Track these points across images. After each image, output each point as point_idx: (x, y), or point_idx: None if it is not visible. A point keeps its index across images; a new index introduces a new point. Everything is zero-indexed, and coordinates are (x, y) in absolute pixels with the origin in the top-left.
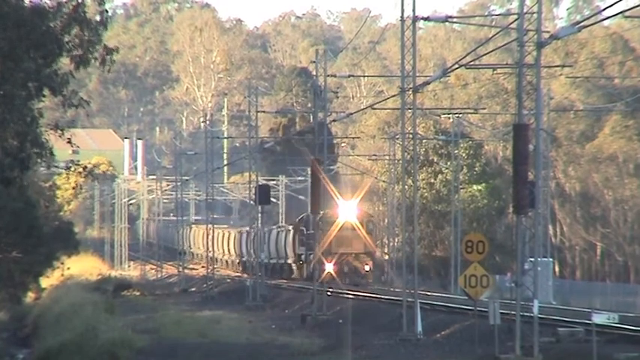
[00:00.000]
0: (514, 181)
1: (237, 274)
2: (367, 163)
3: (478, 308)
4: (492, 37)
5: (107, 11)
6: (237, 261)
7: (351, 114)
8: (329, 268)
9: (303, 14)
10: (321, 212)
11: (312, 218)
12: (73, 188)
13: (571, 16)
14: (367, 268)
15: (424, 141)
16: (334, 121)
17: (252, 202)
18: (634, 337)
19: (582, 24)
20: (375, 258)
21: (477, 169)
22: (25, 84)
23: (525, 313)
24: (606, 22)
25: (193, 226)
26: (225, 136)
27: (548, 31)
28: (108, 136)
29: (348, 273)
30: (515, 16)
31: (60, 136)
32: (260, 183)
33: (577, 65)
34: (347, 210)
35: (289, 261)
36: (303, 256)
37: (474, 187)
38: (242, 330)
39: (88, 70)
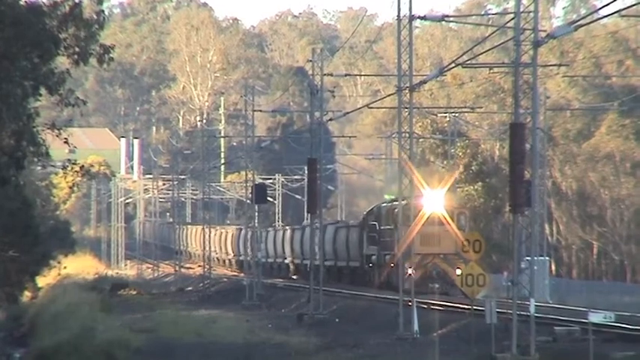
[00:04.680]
0: (511, 180)
1: (234, 273)
2: (364, 162)
3: (475, 307)
4: (489, 36)
5: (104, 11)
6: (234, 260)
7: (348, 113)
8: (411, 272)
9: (300, 13)
10: (401, 203)
11: (386, 210)
12: (70, 187)
13: (567, 15)
14: (459, 272)
15: (421, 140)
16: (331, 120)
17: (248, 201)
18: (630, 336)
19: (579, 23)
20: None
21: (473, 168)
22: (21, 83)
23: (522, 312)
24: (602, 21)
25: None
26: (222, 135)
27: (544, 30)
28: (104, 135)
29: (435, 279)
30: (512, 15)
31: (57, 136)
32: (257, 182)
33: (573, 64)
34: (433, 200)
35: (286, 260)
36: (374, 258)
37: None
38: (239, 329)
39: (85, 69)
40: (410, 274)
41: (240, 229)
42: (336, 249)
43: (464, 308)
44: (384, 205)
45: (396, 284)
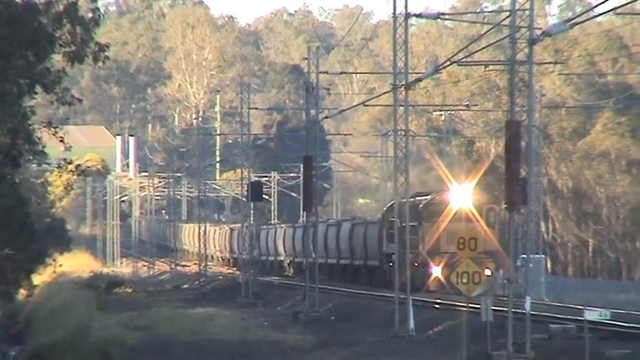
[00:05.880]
0: (506, 178)
1: (230, 270)
2: (359, 160)
3: (470, 305)
4: (484, 33)
5: (99, 9)
6: (230, 257)
7: (343, 111)
8: (437, 272)
9: (295, 11)
10: (425, 198)
11: (409, 206)
12: (65, 188)
13: (563, 13)
14: (488, 272)
15: (416, 138)
16: (326, 117)
17: (244, 198)
18: (626, 334)
19: (574, 21)
20: (498, 259)
21: (468, 165)
22: (17, 81)
23: (518, 310)
24: (598, 19)
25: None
26: (218, 132)
27: (540, 28)
28: (100, 133)
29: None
30: (508, 13)
31: (53, 134)
32: (252, 180)
33: (569, 62)
34: (461, 195)
35: (281, 258)
36: (394, 257)
37: None
38: (234, 327)
39: (81, 67)
40: (435, 277)
41: (237, 227)
42: (353, 247)
43: (460, 306)
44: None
45: (419, 285)
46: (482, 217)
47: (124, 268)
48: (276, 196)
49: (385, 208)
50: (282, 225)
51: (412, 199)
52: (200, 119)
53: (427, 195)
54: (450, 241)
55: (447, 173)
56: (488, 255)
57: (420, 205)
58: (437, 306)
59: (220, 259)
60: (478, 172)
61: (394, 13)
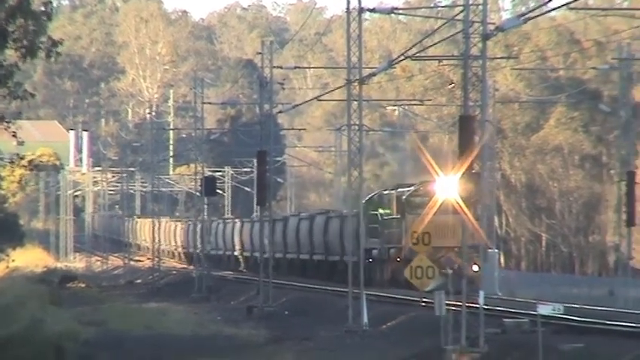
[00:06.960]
0: (460, 173)
1: (183, 265)
2: (313, 155)
3: (424, 299)
4: (438, 28)
5: (52, 2)
6: (184, 252)
7: (297, 105)
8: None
9: (249, 6)
10: (409, 189)
11: (390, 198)
12: (19, 182)
13: (516, 8)
14: (476, 268)
15: (370, 133)
16: (280, 112)
17: (198, 193)
18: (579, 328)
19: (527, 15)
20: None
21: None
22: None
23: (471, 304)
24: (551, 14)
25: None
26: (171, 127)
27: (493, 23)
28: (53, 127)
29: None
30: (461, 8)
31: (6, 129)
32: (206, 174)
33: (521, 57)
34: (446, 186)
35: (236, 253)
36: (375, 252)
37: None
38: (188, 322)
39: (33, 62)
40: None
41: (191, 221)
42: (328, 242)
43: (413, 300)
44: (387, 192)
45: (402, 281)
46: (470, 209)
47: (77, 262)
48: (229, 191)
49: (364, 201)
50: (236, 220)
51: (394, 191)
52: (154, 114)
53: (411, 186)
54: (436, 235)
55: (432, 164)
56: (476, 249)
57: (404, 197)
58: (423, 304)
59: (175, 253)
60: (464, 162)
61: (348, 8)
